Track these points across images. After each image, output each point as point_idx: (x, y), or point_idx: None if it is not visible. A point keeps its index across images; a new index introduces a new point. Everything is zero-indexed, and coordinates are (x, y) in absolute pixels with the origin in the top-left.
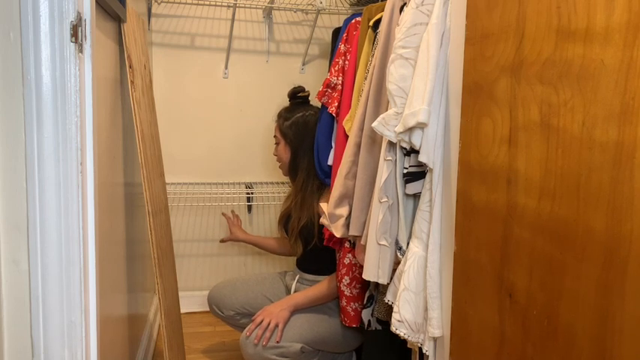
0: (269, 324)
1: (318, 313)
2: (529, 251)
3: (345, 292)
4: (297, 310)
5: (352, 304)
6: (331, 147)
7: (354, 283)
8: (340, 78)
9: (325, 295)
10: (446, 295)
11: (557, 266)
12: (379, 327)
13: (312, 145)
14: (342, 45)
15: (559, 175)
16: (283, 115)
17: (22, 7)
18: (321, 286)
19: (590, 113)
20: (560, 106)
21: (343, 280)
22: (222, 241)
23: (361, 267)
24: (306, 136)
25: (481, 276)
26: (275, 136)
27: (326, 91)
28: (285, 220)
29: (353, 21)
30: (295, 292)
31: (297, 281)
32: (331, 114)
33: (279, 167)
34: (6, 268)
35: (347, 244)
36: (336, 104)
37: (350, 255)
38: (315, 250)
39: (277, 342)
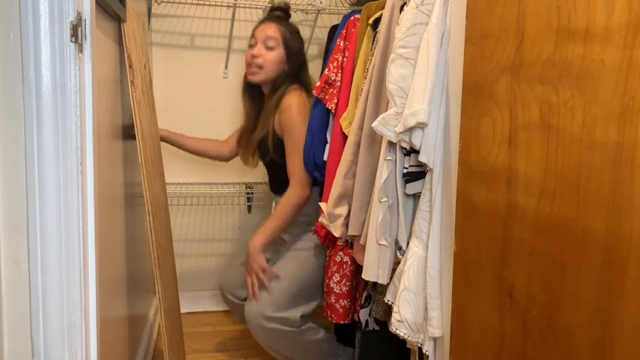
0: (256, 284)
1: (300, 256)
2: (529, 251)
3: (335, 290)
4: (273, 243)
5: (341, 301)
6: (326, 142)
7: (344, 280)
8: (339, 74)
9: (286, 212)
10: (446, 295)
11: (557, 266)
12: (377, 327)
13: (300, 66)
14: (341, 41)
15: (559, 175)
16: (285, 25)
17: (22, 7)
18: (280, 208)
19: (590, 113)
20: (560, 106)
21: (333, 278)
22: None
23: (352, 265)
24: (301, 56)
25: (481, 276)
26: (270, 37)
27: (324, 87)
28: (245, 139)
29: (352, 18)
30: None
31: (275, 206)
32: (328, 109)
33: (253, 73)
34: (6, 268)
35: (339, 242)
36: (335, 101)
37: (342, 253)
38: (276, 167)
39: (269, 292)
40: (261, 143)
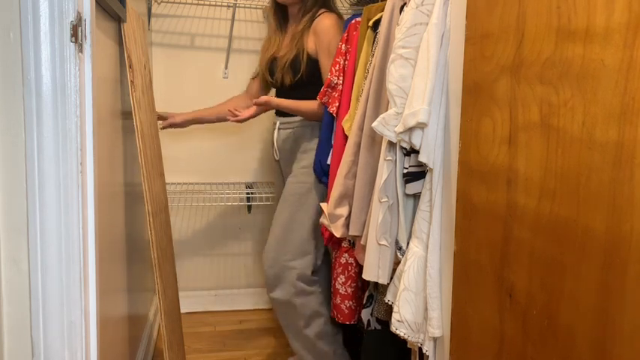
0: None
1: (296, 202)
2: (529, 251)
3: (340, 291)
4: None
5: (346, 302)
6: (331, 145)
7: (349, 282)
8: (341, 78)
9: (312, 109)
10: (446, 295)
11: (557, 266)
12: (379, 327)
13: None
14: (343, 45)
15: (559, 175)
16: None
17: (22, 7)
18: (311, 102)
19: (590, 113)
20: (560, 106)
21: (338, 279)
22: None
23: (357, 266)
24: None
25: (481, 276)
26: None
27: (327, 90)
28: (271, 63)
29: (353, 21)
30: (277, 139)
31: (279, 128)
32: (331, 114)
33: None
34: (6, 268)
35: (344, 244)
36: (337, 104)
37: (347, 255)
38: (298, 88)
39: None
40: (292, 63)
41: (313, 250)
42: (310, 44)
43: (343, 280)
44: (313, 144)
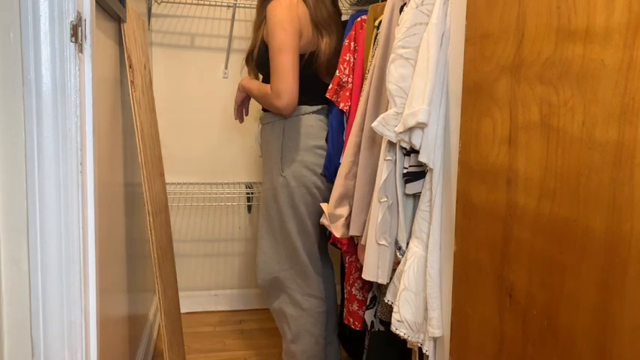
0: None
1: (271, 211)
2: (529, 251)
3: (358, 297)
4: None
5: (364, 307)
6: (343, 145)
7: (367, 287)
8: (350, 76)
9: (265, 93)
10: (446, 295)
11: (557, 266)
12: (382, 328)
13: None
14: (351, 42)
15: (559, 175)
16: None
17: (22, 7)
18: (266, 86)
19: (590, 113)
20: (560, 106)
21: (355, 285)
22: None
23: None
24: None
25: (481, 276)
26: None
27: (336, 89)
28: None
29: (359, 19)
30: (259, 134)
31: (259, 123)
32: (342, 110)
33: None
34: (6, 268)
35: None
36: (349, 103)
37: None
38: (263, 78)
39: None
40: (250, 53)
41: (305, 256)
42: (265, 33)
43: (361, 285)
44: (273, 146)
